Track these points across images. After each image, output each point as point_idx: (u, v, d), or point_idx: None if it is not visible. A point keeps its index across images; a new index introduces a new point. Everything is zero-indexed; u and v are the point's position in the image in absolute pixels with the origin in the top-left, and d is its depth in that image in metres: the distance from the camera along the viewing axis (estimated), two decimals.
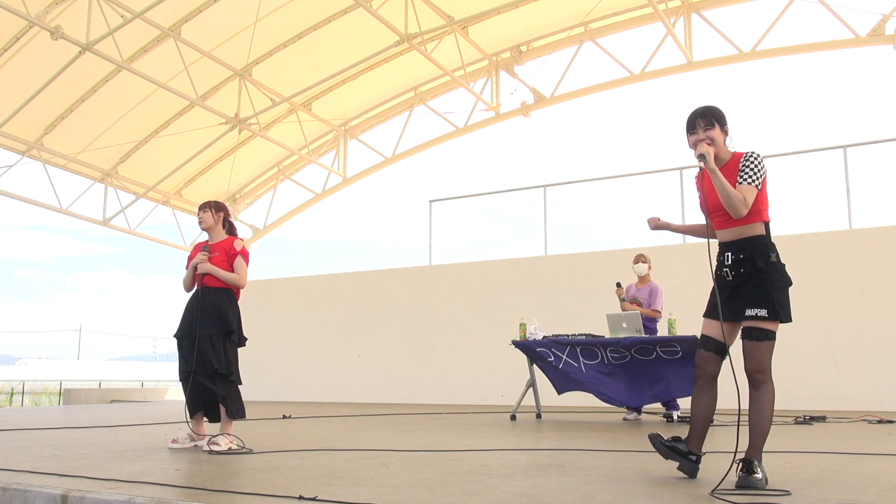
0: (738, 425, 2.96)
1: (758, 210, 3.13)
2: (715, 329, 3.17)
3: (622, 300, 7.21)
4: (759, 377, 3.04)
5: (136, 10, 8.96)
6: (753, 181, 3.09)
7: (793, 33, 10.29)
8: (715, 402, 3.25)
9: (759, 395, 3.04)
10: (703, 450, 3.23)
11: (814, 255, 8.91)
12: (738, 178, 3.11)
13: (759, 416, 3.02)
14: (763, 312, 3.04)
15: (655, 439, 3.19)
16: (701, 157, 3.12)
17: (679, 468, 3.16)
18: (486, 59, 11.82)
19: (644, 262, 7.18)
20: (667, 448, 3.16)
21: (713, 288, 3.26)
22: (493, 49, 11.74)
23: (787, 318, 3.07)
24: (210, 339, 4.49)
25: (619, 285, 7.27)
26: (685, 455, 3.15)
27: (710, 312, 3.22)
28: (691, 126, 3.23)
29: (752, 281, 3.08)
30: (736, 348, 3.12)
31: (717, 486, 2.77)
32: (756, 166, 3.11)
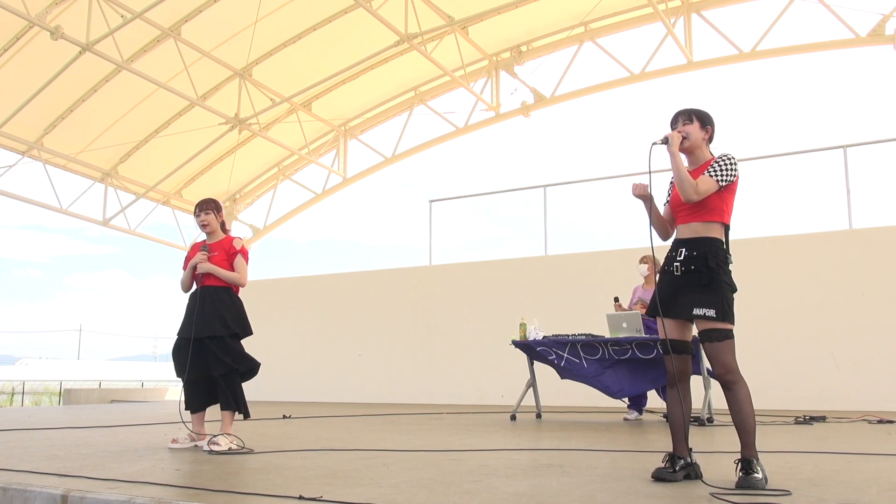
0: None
1: (719, 209, 3.14)
2: (672, 330, 3.17)
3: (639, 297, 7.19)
4: (728, 378, 3.03)
5: (136, 10, 8.96)
6: (716, 176, 3.11)
7: (793, 33, 10.28)
8: (691, 400, 3.25)
9: (734, 396, 3.03)
10: (703, 449, 3.23)
11: (814, 255, 8.91)
12: (706, 171, 3.14)
13: (741, 416, 3.01)
14: (711, 313, 3.03)
15: (659, 473, 3.08)
16: (665, 139, 3.15)
17: (685, 478, 3.11)
18: (486, 59, 11.82)
19: (646, 262, 7.18)
20: (674, 471, 3.07)
21: (657, 285, 3.26)
22: (493, 49, 11.74)
23: (733, 321, 3.06)
24: (219, 339, 4.48)
25: (616, 300, 7.26)
26: (687, 465, 3.12)
27: (661, 310, 3.19)
28: (673, 122, 3.28)
29: (700, 279, 3.07)
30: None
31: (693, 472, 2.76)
32: (726, 166, 3.13)
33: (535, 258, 10.90)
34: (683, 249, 3.17)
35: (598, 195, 12.67)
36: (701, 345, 3.10)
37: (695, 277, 3.09)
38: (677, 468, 3.08)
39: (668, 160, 3.17)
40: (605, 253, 10.22)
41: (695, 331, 3.20)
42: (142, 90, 11.01)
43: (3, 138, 11.32)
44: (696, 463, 3.15)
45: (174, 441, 4.58)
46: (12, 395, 25.53)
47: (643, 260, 7.22)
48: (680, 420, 3.18)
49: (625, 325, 6.79)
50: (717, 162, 3.15)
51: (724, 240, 3.16)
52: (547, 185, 11.01)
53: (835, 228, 9.07)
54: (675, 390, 3.20)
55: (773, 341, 8.73)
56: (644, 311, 7.03)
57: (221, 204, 4.90)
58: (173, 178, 13.12)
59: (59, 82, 10.25)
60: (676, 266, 3.16)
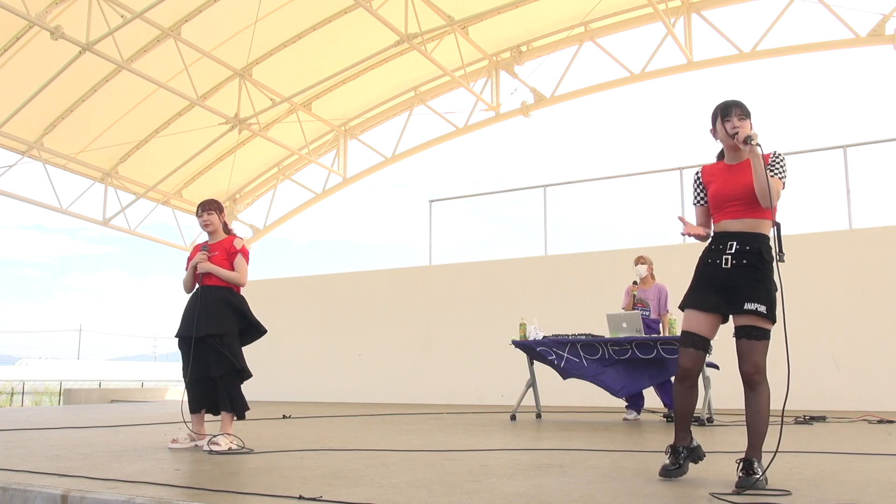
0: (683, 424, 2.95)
1: (774, 207, 3.10)
2: (702, 324, 3.11)
3: (634, 295, 7.14)
4: (755, 378, 3.01)
5: (136, 10, 8.96)
6: (781, 177, 3.07)
7: (793, 33, 10.30)
8: (697, 396, 3.25)
9: (756, 396, 3.02)
10: (705, 450, 3.23)
11: (814, 255, 8.91)
12: (770, 173, 3.05)
13: (758, 417, 3.01)
14: (763, 309, 2.99)
15: (666, 473, 3.09)
16: (748, 138, 3.00)
17: (691, 462, 3.14)
18: (486, 59, 11.82)
19: (644, 262, 7.17)
20: (679, 467, 3.09)
21: (696, 277, 3.18)
22: (493, 49, 11.74)
23: (775, 321, 3.04)
24: (220, 338, 4.49)
25: (636, 283, 7.19)
26: (691, 450, 3.14)
27: (698, 302, 3.13)
28: (726, 112, 3.14)
29: (754, 275, 3.02)
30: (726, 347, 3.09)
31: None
32: (784, 165, 3.10)
33: (535, 258, 10.90)
34: (734, 243, 3.08)
35: (598, 195, 12.69)
36: (736, 340, 3.04)
37: (748, 272, 3.02)
38: (681, 461, 3.09)
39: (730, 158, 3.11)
40: (605, 253, 10.22)
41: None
42: (142, 90, 11.00)
43: (3, 138, 11.31)
44: (698, 445, 3.16)
45: (174, 441, 4.58)
46: (12, 395, 25.52)
47: (642, 261, 7.19)
48: (687, 412, 3.18)
49: (625, 325, 6.79)
50: (775, 162, 3.08)
51: (771, 238, 3.12)
52: (547, 185, 11.01)
53: (835, 228, 9.08)
54: (683, 385, 3.16)
55: (772, 341, 8.72)
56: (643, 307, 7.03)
57: (223, 205, 4.93)
58: (173, 178, 13.11)
59: (59, 82, 10.24)
60: (727, 259, 3.08)
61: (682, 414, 3.18)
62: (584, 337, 6.99)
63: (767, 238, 3.11)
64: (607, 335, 6.94)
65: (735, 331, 3.06)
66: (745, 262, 3.05)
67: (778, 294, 3.10)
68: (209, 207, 4.73)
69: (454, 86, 12.35)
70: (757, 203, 3.06)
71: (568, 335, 7.15)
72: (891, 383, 8.24)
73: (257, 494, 2.80)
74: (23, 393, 25.63)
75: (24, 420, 7.45)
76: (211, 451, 4.22)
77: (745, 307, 3.00)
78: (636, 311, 6.93)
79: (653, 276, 7.21)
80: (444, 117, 12.75)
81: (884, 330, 8.42)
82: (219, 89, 11.34)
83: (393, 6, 9.47)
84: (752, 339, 3.01)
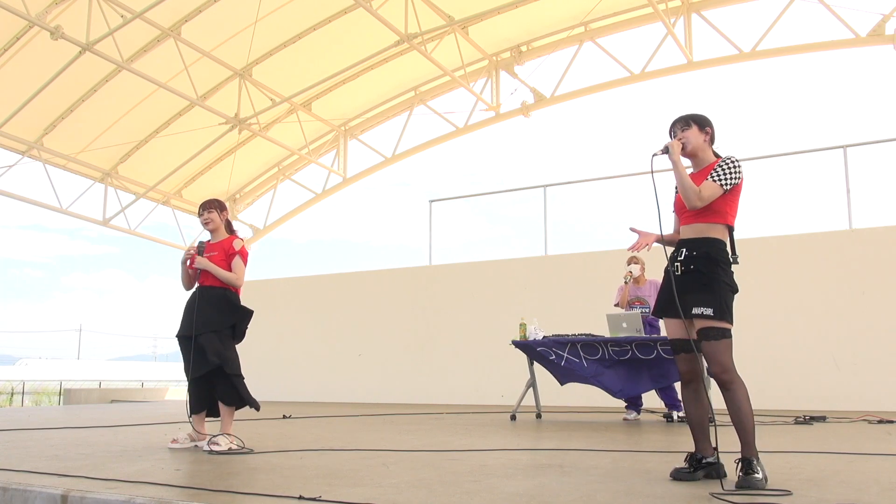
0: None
1: (722, 212, 3.16)
2: (678, 329, 3.19)
3: (626, 282, 7.19)
4: (724, 378, 3.03)
5: (136, 10, 8.96)
6: (720, 180, 3.13)
7: (793, 33, 10.29)
8: (709, 399, 3.26)
9: (732, 396, 3.03)
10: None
11: (814, 255, 8.91)
12: (709, 176, 3.16)
13: (740, 415, 3.01)
14: (709, 311, 3.04)
15: (677, 474, 3.11)
16: (665, 148, 3.18)
17: (706, 477, 3.12)
18: (486, 59, 11.82)
19: (637, 262, 7.21)
20: (691, 472, 3.10)
21: (661, 286, 3.31)
22: (493, 49, 11.75)
23: (731, 320, 3.07)
24: (216, 335, 4.49)
25: (631, 272, 7.24)
26: (709, 464, 3.13)
27: (663, 310, 3.26)
28: (671, 130, 3.33)
29: (701, 279, 3.09)
30: None
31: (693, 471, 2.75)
32: (729, 169, 3.15)
33: (535, 258, 10.90)
34: (684, 249, 3.20)
35: (598, 195, 12.71)
36: (700, 344, 3.11)
37: (695, 277, 3.11)
38: (696, 468, 3.10)
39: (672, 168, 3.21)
40: (605, 253, 10.21)
41: None
42: (142, 90, 11.01)
43: (3, 138, 11.31)
44: (719, 462, 3.14)
45: (174, 441, 4.58)
46: (12, 395, 25.50)
47: (635, 261, 7.23)
48: (697, 419, 3.21)
49: (625, 325, 6.79)
50: (720, 166, 3.16)
51: (726, 240, 3.18)
52: (547, 185, 11.02)
53: (835, 228, 9.07)
54: (688, 390, 3.23)
55: (773, 341, 8.73)
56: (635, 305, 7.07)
57: (226, 204, 4.92)
58: (173, 178, 13.11)
59: (59, 82, 10.24)
60: (677, 266, 3.19)
61: (694, 422, 3.21)
62: (584, 337, 6.99)
63: (718, 241, 3.16)
64: (607, 335, 6.95)
65: (696, 334, 3.12)
66: (692, 267, 3.14)
67: (742, 294, 3.20)
68: (209, 206, 4.75)
69: (454, 86, 12.36)
70: (704, 209, 3.15)
71: (568, 335, 7.15)
72: (891, 383, 8.24)
73: (257, 494, 2.80)
74: (23, 393, 25.60)
75: (24, 420, 7.45)
76: (211, 451, 4.22)
77: (693, 311, 3.08)
78: (637, 310, 6.94)
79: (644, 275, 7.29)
80: (444, 117, 12.75)
81: (884, 330, 8.42)
82: (219, 89, 11.34)
83: (393, 6, 9.47)
84: (711, 340, 3.06)
